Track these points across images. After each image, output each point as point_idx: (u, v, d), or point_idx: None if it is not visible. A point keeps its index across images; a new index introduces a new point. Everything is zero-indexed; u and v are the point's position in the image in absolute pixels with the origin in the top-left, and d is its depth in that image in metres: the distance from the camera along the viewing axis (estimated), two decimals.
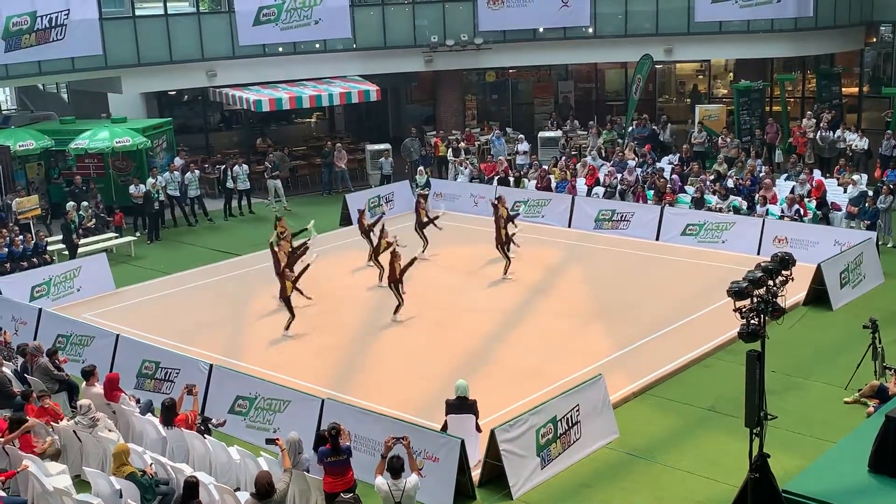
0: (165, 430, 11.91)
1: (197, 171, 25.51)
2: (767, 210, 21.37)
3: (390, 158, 28.03)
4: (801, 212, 21.04)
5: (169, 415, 11.86)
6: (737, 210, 21.86)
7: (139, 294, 19.47)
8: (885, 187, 20.78)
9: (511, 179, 25.78)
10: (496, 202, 19.71)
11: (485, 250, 20.66)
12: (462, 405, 11.74)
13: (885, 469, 9.67)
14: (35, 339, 15.47)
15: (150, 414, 12.67)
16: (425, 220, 20.82)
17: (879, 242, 19.41)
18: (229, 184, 25.79)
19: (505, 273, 19.02)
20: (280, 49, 28.75)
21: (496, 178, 26.02)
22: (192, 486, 9.80)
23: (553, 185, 24.99)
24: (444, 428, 11.71)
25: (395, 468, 9.73)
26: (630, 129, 28.85)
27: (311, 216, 25.70)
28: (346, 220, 24.48)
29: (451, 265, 20.23)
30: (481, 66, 31.60)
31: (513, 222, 20.04)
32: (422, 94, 36.16)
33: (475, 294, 18.53)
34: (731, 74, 33.03)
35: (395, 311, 16.86)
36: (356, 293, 18.51)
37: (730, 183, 23.23)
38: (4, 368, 13.47)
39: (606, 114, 32.62)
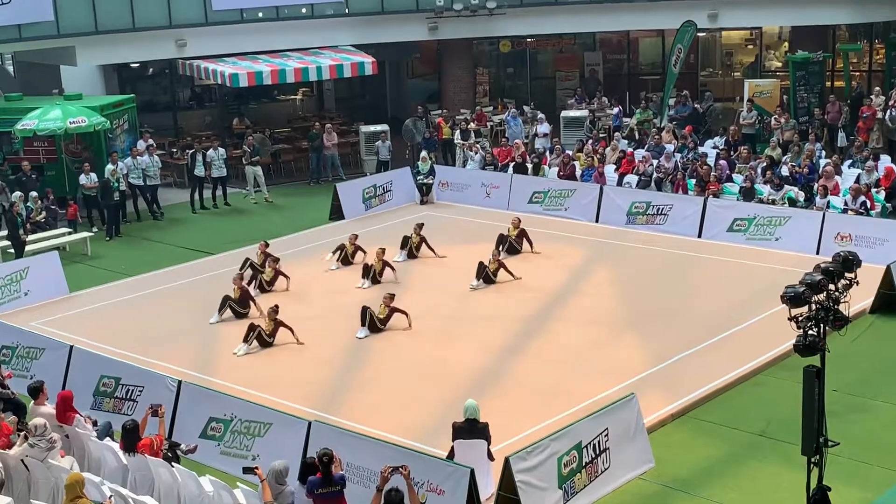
0: (127, 456, 11.92)
1: (156, 156, 25.53)
2: (828, 202, 21.33)
3: (388, 142, 28.05)
4: (868, 204, 20.99)
5: (131, 439, 11.87)
6: (792, 202, 21.83)
7: (96, 299, 19.51)
8: None
9: (529, 166, 25.78)
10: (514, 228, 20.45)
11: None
12: (472, 429, 11.74)
13: None
14: None
15: (108, 438, 12.69)
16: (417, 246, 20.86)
17: None
18: (198, 171, 25.83)
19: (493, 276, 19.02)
20: (260, 14, 28.78)
21: (511, 164, 26.03)
22: None
23: (578, 172, 24.98)
24: (451, 455, 11.71)
25: (393, 502, 9.74)
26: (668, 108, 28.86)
27: (297, 208, 25.80)
28: (336, 213, 24.51)
29: (459, 266, 20.22)
30: (494, 34, 31.61)
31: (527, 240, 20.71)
32: (425, 67, 36.19)
33: (487, 299, 18.53)
34: (787, 44, 32.99)
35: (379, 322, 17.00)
36: (348, 298, 18.51)
37: (784, 170, 23.20)
38: None
39: (641, 90, 32.60)
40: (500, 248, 20.24)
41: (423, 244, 20.89)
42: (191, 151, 26.54)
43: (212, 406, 13.28)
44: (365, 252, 20.31)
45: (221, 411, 13.14)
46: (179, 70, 29.63)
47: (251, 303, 17.89)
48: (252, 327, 16.48)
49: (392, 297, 17.17)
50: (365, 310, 16.85)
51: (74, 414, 12.80)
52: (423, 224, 21.22)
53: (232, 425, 12.99)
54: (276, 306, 16.89)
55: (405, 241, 20.85)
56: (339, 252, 20.52)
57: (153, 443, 11.87)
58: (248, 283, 18.72)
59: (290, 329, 16.64)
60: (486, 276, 19.02)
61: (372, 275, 19.22)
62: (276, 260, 19.60)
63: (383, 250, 19.53)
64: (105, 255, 22.51)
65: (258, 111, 32.71)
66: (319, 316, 17.79)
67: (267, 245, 20.09)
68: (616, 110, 29.90)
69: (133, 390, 14.11)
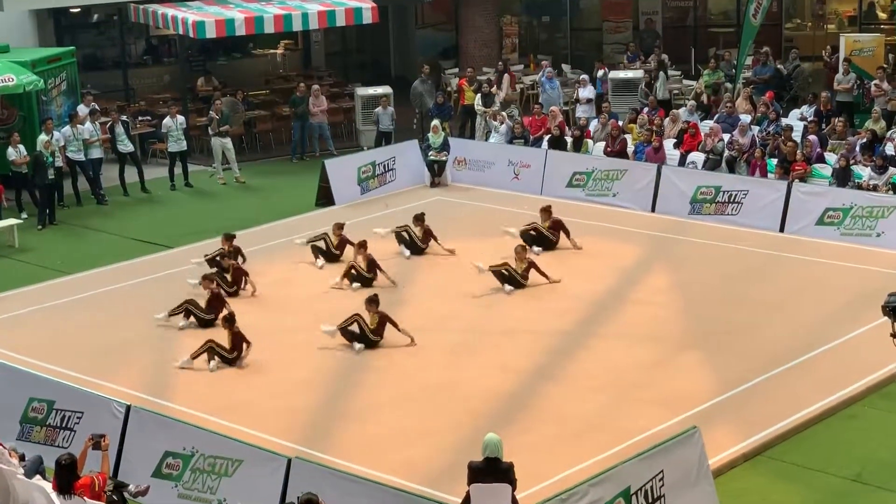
0: (62, 499, 12.00)
1: (97, 124, 25.59)
2: None
3: (391, 108, 28.08)
4: None
5: (67, 478, 11.95)
6: None
7: (25, 302, 19.59)
8: None
9: (568, 140, 25.78)
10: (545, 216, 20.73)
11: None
12: (493, 470, 11.78)
13: None
14: None
15: (39, 476, 12.77)
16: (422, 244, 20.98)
17: None
18: (122, 146, 25.78)
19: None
20: None
21: (546, 137, 26.04)
22: None
23: (630, 148, 24.97)
24: (467, 502, 11.77)
25: None
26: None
27: (275, 190, 25.82)
28: (325, 197, 24.53)
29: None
30: None
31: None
32: (438, 15, 36.19)
33: (513, 309, 18.57)
34: None
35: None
36: (340, 305, 18.55)
37: (889, 149, 23.13)
38: None
39: (710, 46, 32.54)
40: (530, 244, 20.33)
41: (430, 237, 20.91)
42: (108, 122, 26.39)
43: (168, 437, 13.32)
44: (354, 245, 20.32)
45: (180, 444, 13.18)
46: (131, 17, 29.68)
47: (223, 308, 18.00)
48: (209, 348, 16.54)
49: (375, 301, 17.12)
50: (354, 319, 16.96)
51: None
52: (423, 215, 21.14)
53: (193, 462, 13.03)
54: (232, 314, 16.96)
55: (404, 238, 20.86)
56: (319, 245, 20.51)
57: (94, 482, 11.94)
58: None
59: (247, 343, 16.65)
60: (512, 279, 19.03)
61: (360, 276, 19.27)
62: (237, 255, 19.56)
63: (364, 243, 19.53)
64: (36, 248, 22.61)
65: (229, 69, 32.75)
66: (302, 327, 17.82)
67: (229, 238, 20.07)
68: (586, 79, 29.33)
69: (70, 417, 14.16)
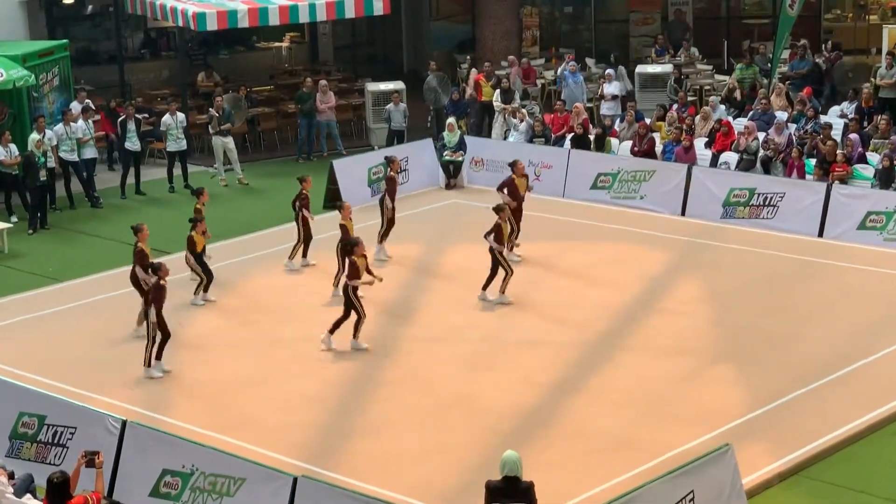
0: None
1: (90, 122, 25.66)
2: None
3: (403, 104, 28.11)
4: None
5: (59, 497, 12.00)
6: None
7: (15, 311, 19.65)
8: None
9: (592, 138, 25.79)
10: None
11: (547, 248, 20.71)
12: (511, 490, 11.78)
13: None
14: None
15: (29, 495, 12.81)
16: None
17: None
18: (131, 143, 25.86)
19: (502, 291, 18.97)
20: None
21: (569, 136, 26.03)
22: None
23: (658, 148, 24.96)
24: None
25: None
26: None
27: (280, 192, 25.82)
28: (333, 200, 24.53)
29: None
30: None
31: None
32: (454, 6, 36.21)
33: (533, 319, 18.59)
34: None
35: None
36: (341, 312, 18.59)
37: None
38: None
39: (744, 38, 32.50)
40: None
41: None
42: (120, 118, 26.45)
43: (166, 454, 13.34)
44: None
45: (179, 462, 13.20)
46: (128, 8, 29.78)
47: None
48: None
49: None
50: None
51: None
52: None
53: (192, 480, 13.05)
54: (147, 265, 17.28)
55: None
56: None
57: (88, 502, 11.99)
58: None
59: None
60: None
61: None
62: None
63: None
64: (27, 253, 22.67)
65: (231, 63, 32.82)
66: (308, 336, 17.81)
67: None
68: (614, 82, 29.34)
69: (62, 432, 14.19)
